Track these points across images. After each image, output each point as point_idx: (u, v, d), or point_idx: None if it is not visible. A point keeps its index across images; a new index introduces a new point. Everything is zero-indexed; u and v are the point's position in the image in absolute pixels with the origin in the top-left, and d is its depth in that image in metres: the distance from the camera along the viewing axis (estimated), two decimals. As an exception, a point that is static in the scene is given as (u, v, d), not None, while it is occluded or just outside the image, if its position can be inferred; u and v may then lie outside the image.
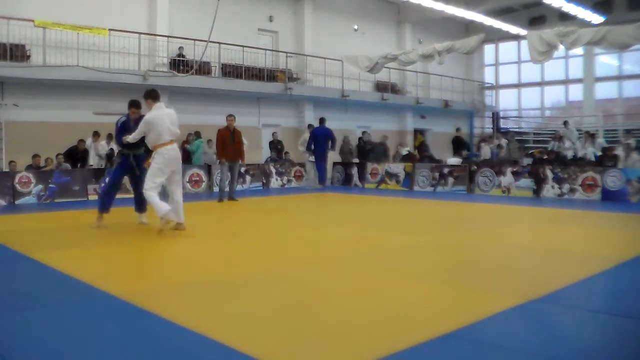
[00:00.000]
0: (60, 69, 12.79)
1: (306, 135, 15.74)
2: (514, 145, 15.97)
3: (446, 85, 23.38)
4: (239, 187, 14.00)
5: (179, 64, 15.17)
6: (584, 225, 8.28)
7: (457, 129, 19.15)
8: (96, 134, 13.00)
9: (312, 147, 14.69)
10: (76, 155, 12.66)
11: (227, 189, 11.33)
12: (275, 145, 16.26)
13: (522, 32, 20.97)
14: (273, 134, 16.64)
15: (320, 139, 14.62)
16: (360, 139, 17.18)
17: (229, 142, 11.04)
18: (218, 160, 11.85)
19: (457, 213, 10.12)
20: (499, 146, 16.48)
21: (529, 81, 25.33)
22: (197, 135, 14.52)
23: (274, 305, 3.94)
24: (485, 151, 16.57)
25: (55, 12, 13.17)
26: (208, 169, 13.85)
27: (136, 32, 14.26)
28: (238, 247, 6.44)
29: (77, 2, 13.93)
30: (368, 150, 16.23)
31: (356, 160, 16.17)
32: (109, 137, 12.62)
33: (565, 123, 16.96)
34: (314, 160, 15.16)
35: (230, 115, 11.20)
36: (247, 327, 3.46)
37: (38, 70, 12.54)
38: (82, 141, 12.80)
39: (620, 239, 6.99)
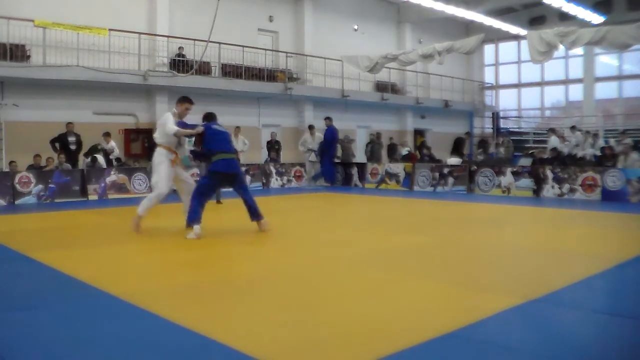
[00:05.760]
0: (60, 69, 12.78)
1: (306, 136, 15.76)
2: (507, 146, 16.05)
3: (446, 85, 23.37)
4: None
5: (179, 64, 15.17)
6: (583, 225, 8.28)
7: (467, 133, 19.30)
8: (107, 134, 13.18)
9: (322, 146, 14.93)
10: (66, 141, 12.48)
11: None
12: (273, 146, 16.22)
13: (522, 32, 20.96)
14: (271, 134, 16.63)
15: (331, 138, 14.80)
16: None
17: None
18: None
19: (457, 213, 10.12)
20: (497, 145, 16.49)
21: (529, 81, 25.32)
22: None
23: (274, 305, 3.95)
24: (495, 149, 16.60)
25: (55, 12, 13.16)
26: None
27: (136, 32, 14.25)
28: (237, 247, 6.44)
29: (77, 2, 13.93)
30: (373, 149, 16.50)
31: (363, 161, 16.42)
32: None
33: (573, 128, 16.95)
34: (316, 160, 15.26)
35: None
36: (248, 327, 3.46)
37: (38, 70, 12.53)
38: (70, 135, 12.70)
39: (620, 239, 6.99)
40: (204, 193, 6.95)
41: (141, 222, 7.07)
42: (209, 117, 7.36)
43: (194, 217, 6.74)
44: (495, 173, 12.94)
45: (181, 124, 7.15)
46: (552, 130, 16.35)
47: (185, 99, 7.30)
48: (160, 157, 7.09)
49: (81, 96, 14.00)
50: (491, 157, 15.98)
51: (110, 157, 13.16)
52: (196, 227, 6.67)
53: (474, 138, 21.44)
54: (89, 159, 12.65)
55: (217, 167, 6.90)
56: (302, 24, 19.13)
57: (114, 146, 13.26)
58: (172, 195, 12.85)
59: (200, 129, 7.02)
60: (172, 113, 7.21)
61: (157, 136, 7.19)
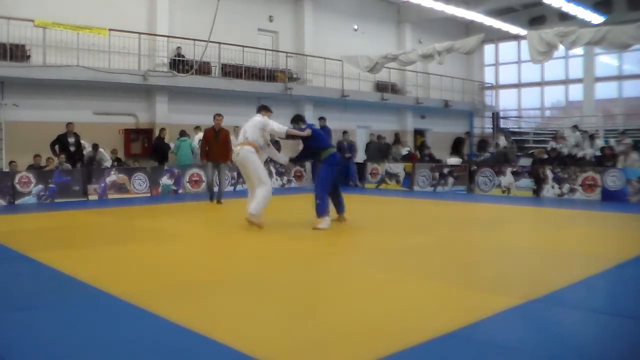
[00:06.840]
0: (60, 69, 12.78)
1: (305, 136, 15.77)
2: (511, 147, 16.07)
3: (446, 85, 23.36)
4: (239, 188, 14.02)
5: (179, 64, 15.16)
6: (583, 225, 8.28)
7: (467, 133, 19.38)
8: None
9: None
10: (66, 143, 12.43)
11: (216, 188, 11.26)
12: (273, 146, 16.19)
13: (522, 32, 20.94)
14: (271, 134, 16.56)
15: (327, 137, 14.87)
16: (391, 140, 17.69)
17: (213, 142, 10.99)
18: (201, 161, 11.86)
19: (457, 213, 10.12)
20: (497, 145, 16.48)
21: (529, 81, 25.31)
22: (182, 134, 14.24)
23: (274, 305, 3.95)
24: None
25: (55, 12, 13.15)
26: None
27: (136, 32, 14.25)
28: (237, 246, 6.44)
29: (77, 2, 13.91)
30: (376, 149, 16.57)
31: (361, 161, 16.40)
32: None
33: (575, 127, 16.99)
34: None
35: (218, 115, 11.08)
36: (248, 327, 3.46)
37: (38, 70, 12.53)
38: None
39: (620, 239, 6.99)
40: (327, 187, 7.57)
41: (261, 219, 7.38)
42: (303, 119, 8.09)
43: (323, 209, 7.41)
44: (495, 173, 12.94)
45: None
46: (501, 131, 16.38)
47: (268, 108, 8.23)
48: (249, 154, 7.46)
49: (81, 96, 13.99)
50: (492, 156, 15.98)
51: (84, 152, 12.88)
52: (326, 219, 7.37)
53: (474, 138, 21.44)
54: (91, 149, 12.67)
55: (336, 159, 7.68)
56: (302, 24, 19.12)
57: (84, 143, 12.90)
58: (172, 195, 12.90)
59: (308, 130, 7.72)
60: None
61: (249, 134, 7.62)
